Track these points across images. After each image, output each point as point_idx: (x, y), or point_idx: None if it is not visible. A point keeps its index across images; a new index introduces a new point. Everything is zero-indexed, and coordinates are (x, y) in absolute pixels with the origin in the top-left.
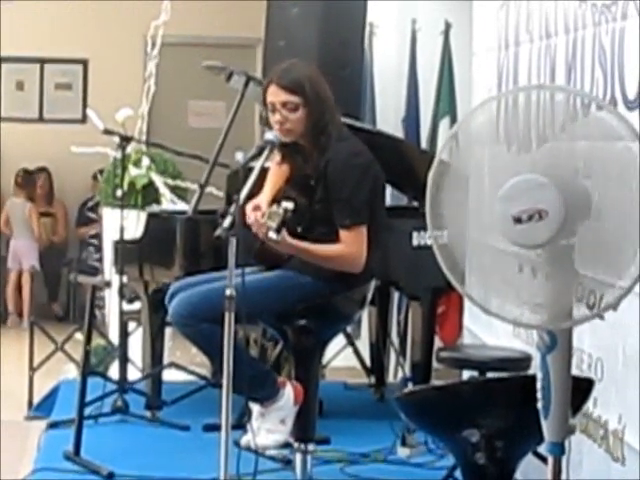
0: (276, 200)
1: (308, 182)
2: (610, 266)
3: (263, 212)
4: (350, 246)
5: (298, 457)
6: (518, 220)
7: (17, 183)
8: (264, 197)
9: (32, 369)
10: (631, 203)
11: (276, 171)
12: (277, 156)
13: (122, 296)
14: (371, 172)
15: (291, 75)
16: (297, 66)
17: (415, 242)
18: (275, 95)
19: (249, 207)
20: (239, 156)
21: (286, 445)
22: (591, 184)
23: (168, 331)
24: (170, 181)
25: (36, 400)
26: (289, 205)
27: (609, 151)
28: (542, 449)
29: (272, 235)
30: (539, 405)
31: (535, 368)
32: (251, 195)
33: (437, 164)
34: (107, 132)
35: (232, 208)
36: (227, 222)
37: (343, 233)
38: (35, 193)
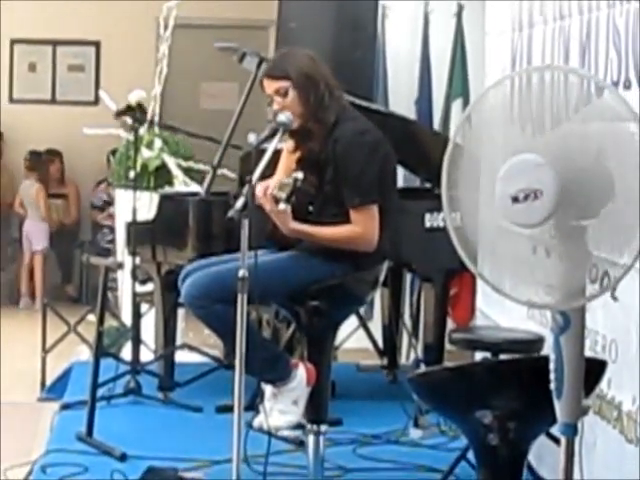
0: None
1: (318, 162)
2: (625, 247)
3: (272, 185)
4: (361, 226)
5: (310, 438)
6: (516, 199)
7: (26, 165)
8: (274, 181)
9: (45, 351)
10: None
11: (288, 157)
12: (290, 144)
13: (135, 277)
14: (380, 150)
15: (276, 64)
16: (283, 55)
17: (428, 224)
18: (268, 86)
19: (258, 190)
20: (252, 138)
21: (298, 426)
22: (609, 166)
23: (181, 312)
24: (182, 163)
25: (49, 382)
26: (299, 175)
27: (622, 132)
28: (555, 430)
29: (282, 206)
30: (552, 386)
31: (548, 349)
32: (264, 177)
33: (452, 145)
34: (119, 114)
35: (245, 190)
36: (239, 204)
37: (353, 213)
38: (46, 175)
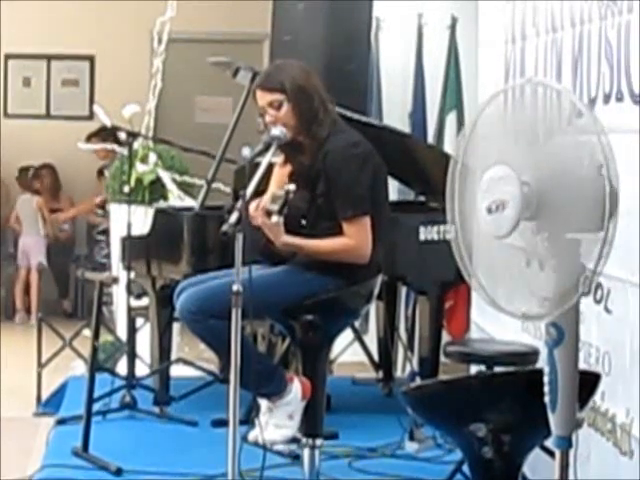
0: None
1: (309, 176)
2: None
3: (264, 201)
4: (354, 238)
5: (306, 452)
6: (489, 210)
7: (20, 180)
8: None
9: (40, 365)
10: None
11: (279, 173)
12: (280, 158)
13: (130, 292)
14: (370, 162)
15: (270, 76)
16: (277, 66)
17: (422, 237)
18: (261, 98)
19: (252, 207)
20: (246, 152)
21: (294, 440)
22: (613, 179)
23: (176, 327)
24: (177, 177)
25: (44, 396)
26: (291, 186)
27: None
28: (549, 443)
29: (274, 218)
30: (546, 399)
31: (542, 362)
32: (257, 191)
33: (454, 160)
34: (114, 128)
35: (239, 204)
36: (234, 218)
37: (346, 225)
38: (40, 189)
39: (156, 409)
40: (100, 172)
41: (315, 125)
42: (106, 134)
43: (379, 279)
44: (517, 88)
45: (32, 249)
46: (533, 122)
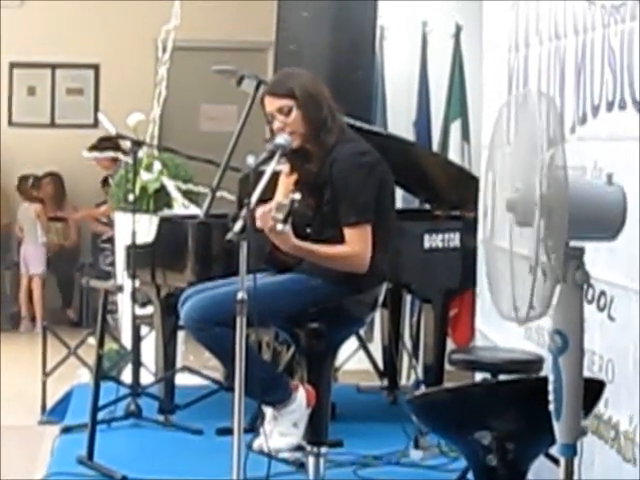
0: None
1: (316, 184)
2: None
3: (270, 207)
4: (354, 245)
5: (311, 460)
6: (485, 215)
7: (19, 189)
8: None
9: (45, 374)
10: None
11: (285, 182)
12: (286, 167)
13: (134, 300)
14: (377, 171)
15: (281, 82)
16: (287, 73)
17: (427, 245)
18: (270, 104)
19: (258, 214)
20: (250, 160)
21: (299, 448)
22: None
23: (181, 335)
24: (182, 185)
25: (49, 405)
26: (296, 195)
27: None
28: (554, 451)
29: (279, 227)
30: (551, 407)
31: (547, 370)
32: (262, 199)
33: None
34: (119, 137)
35: (243, 212)
36: (238, 226)
37: (347, 231)
38: (42, 197)
39: (161, 417)
40: (105, 181)
41: (323, 132)
42: (105, 145)
43: (384, 287)
44: (520, 97)
45: (31, 257)
46: (533, 130)
